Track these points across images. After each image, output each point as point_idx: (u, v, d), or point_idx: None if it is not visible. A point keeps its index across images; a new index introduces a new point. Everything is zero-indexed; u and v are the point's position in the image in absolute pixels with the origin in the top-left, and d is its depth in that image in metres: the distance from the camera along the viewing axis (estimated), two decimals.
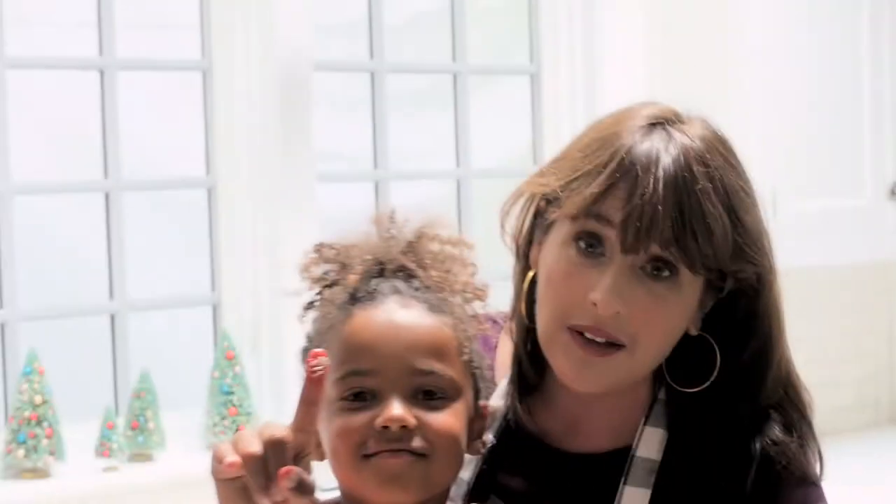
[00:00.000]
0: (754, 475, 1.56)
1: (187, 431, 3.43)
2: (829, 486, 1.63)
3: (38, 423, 3.12)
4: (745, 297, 1.58)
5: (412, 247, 1.57)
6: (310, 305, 1.58)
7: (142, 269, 3.49)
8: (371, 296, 1.52)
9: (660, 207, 1.49)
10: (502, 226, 1.66)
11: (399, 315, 1.50)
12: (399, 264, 1.55)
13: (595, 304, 1.51)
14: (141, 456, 3.28)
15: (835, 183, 3.90)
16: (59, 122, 3.56)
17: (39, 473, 3.16)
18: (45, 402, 3.13)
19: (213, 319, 3.55)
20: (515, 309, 1.66)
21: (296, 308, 1.58)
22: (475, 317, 1.58)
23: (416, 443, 1.46)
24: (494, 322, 1.70)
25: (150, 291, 3.55)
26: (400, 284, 1.53)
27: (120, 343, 3.40)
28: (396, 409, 1.45)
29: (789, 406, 1.61)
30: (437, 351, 1.49)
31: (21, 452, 3.12)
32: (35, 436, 3.12)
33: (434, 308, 1.52)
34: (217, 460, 1.24)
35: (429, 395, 1.48)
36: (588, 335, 1.53)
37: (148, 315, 3.56)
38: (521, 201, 1.64)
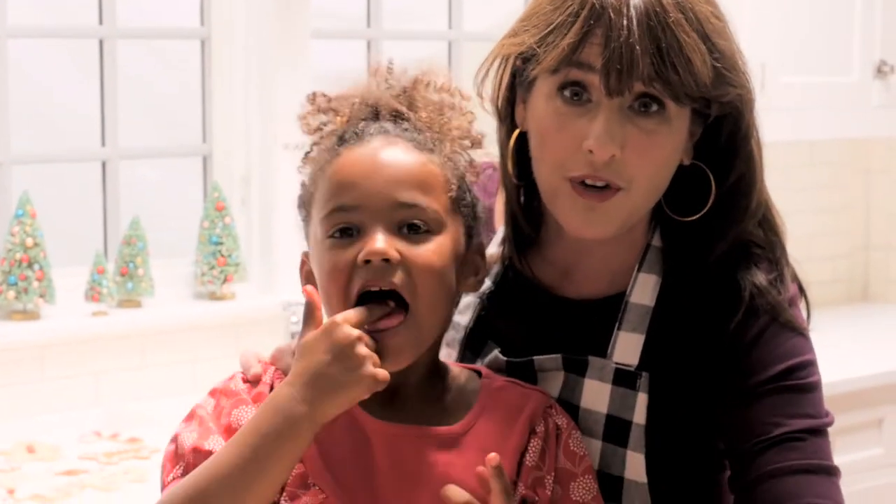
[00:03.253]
0: (742, 320, 1.60)
1: (176, 280, 3.46)
2: None
3: (29, 265, 3.15)
4: (729, 120, 1.61)
5: (406, 92, 1.59)
6: (307, 154, 1.60)
7: (134, 119, 3.49)
8: (358, 136, 1.55)
9: (637, 47, 1.51)
10: (479, 93, 1.67)
11: (383, 152, 1.53)
12: (392, 108, 1.58)
13: (591, 152, 1.54)
14: (129, 302, 3.31)
15: (822, 60, 3.91)
16: None
17: (29, 315, 3.19)
18: (36, 245, 3.15)
19: (204, 171, 3.56)
20: (503, 168, 1.68)
21: (287, 162, 1.58)
22: (472, 163, 1.60)
23: (398, 278, 1.48)
24: (495, 169, 1.73)
25: (142, 141, 3.55)
26: (388, 125, 1.56)
27: (111, 190, 3.41)
28: (379, 241, 1.48)
29: (768, 229, 1.66)
30: (420, 184, 1.52)
31: (11, 294, 3.15)
32: (26, 278, 3.15)
33: (420, 145, 1.55)
34: None
35: (413, 229, 1.50)
36: (588, 182, 1.55)
37: (139, 164, 3.57)
38: (496, 63, 1.66)
